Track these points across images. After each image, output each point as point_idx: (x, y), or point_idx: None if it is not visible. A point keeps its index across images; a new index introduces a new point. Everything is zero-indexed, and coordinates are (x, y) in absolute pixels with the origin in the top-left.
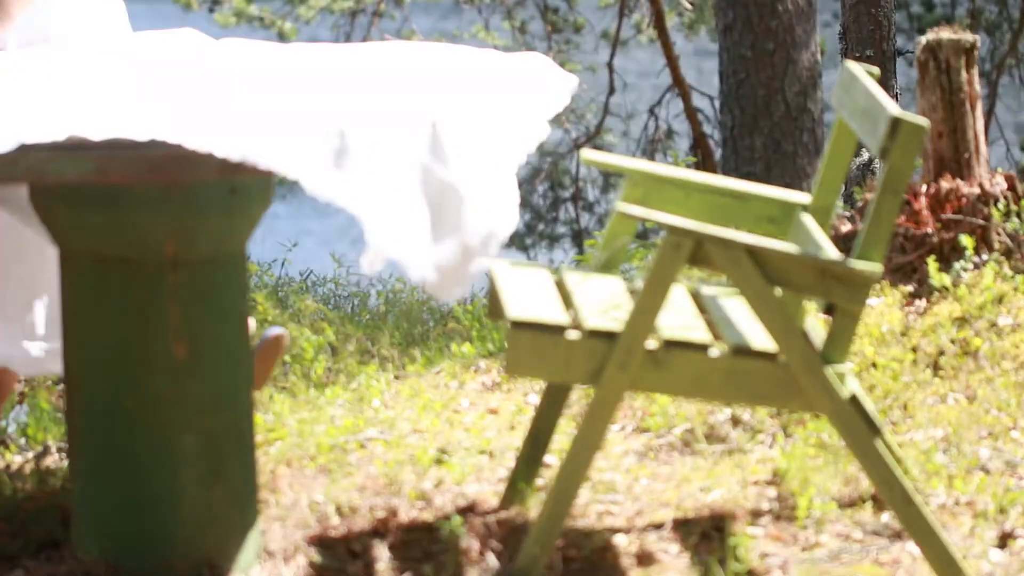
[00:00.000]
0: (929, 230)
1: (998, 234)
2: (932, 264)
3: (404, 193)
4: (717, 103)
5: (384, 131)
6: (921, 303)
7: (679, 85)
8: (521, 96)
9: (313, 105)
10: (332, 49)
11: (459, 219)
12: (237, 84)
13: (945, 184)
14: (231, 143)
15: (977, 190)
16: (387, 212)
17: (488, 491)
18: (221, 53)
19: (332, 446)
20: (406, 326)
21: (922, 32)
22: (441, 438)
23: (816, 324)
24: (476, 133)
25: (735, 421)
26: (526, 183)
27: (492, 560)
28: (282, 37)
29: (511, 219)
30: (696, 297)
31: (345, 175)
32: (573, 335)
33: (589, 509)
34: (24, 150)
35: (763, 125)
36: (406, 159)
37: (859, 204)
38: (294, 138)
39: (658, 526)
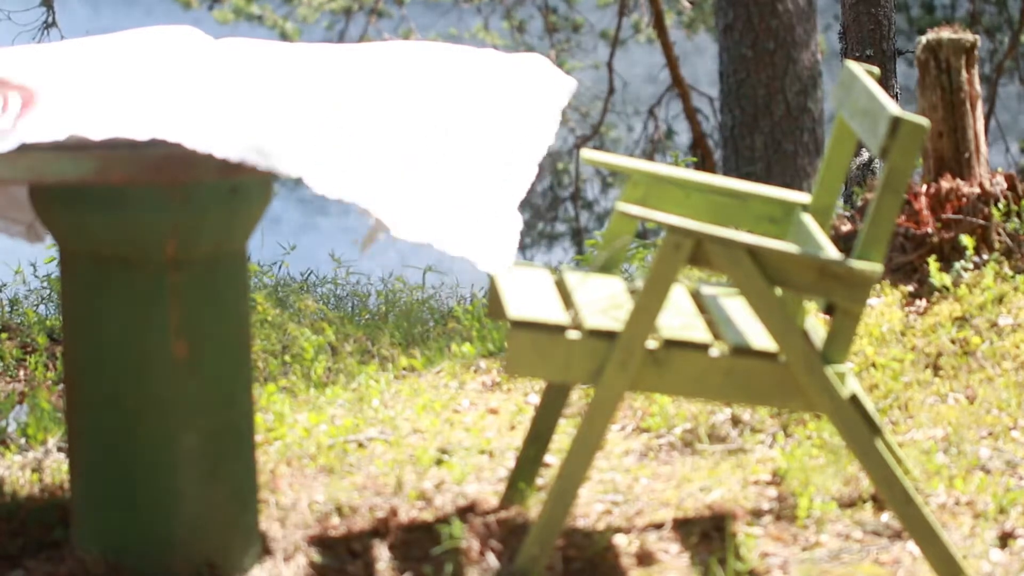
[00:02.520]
0: (929, 230)
1: (998, 234)
2: (932, 264)
3: (418, 180)
4: (717, 103)
5: (388, 122)
6: (921, 303)
7: (679, 85)
8: (523, 87)
9: (314, 102)
10: (332, 48)
11: (480, 191)
12: (237, 83)
13: (945, 184)
14: (231, 143)
15: (977, 190)
16: (403, 201)
17: (488, 491)
18: (220, 51)
19: (332, 446)
20: (406, 326)
21: (921, 34)
22: (441, 438)
23: (816, 324)
24: (482, 122)
25: (735, 421)
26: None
27: (492, 560)
28: (284, 37)
29: (524, 185)
30: (696, 297)
31: (351, 171)
32: (573, 335)
33: (589, 509)
34: (24, 150)
35: (763, 125)
36: (414, 147)
37: (859, 204)
38: (295, 137)
39: (658, 526)
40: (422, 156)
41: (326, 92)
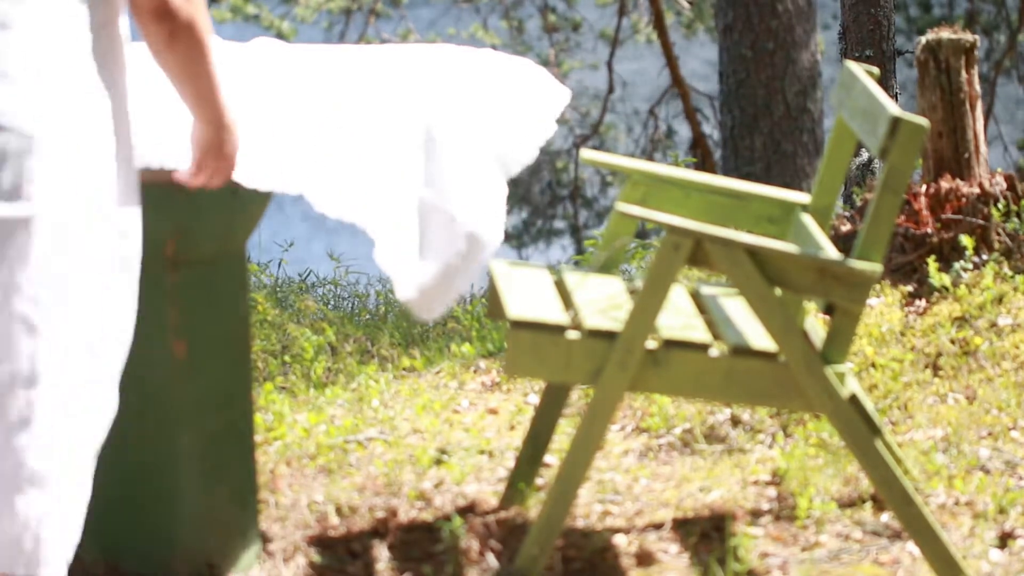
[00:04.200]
0: (929, 230)
1: (998, 234)
2: (932, 264)
3: (400, 211)
4: (717, 103)
5: (382, 146)
6: (921, 303)
7: (678, 85)
8: (518, 105)
9: (313, 104)
10: (331, 56)
11: (444, 238)
12: (240, 100)
13: (945, 184)
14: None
15: (977, 190)
16: (386, 229)
17: (488, 491)
18: (226, 62)
19: (332, 446)
20: (406, 326)
21: (920, 33)
22: (441, 438)
23: (816, 324)
24: (470, 145)
25: (735, 421)
26: (524, 180)
27: (492, 560)
28: (280, 37)
29: (497, 234)
30: (696, 297)
31: (347, 188)
32: (573, 335)
33: (589, 509)
34: None
35: (763, 125)
36: (403, 176)
37: (859, 204)
38: (292, 158)
39: (658, 526)
40: (411, 185)
41: (326, 93)
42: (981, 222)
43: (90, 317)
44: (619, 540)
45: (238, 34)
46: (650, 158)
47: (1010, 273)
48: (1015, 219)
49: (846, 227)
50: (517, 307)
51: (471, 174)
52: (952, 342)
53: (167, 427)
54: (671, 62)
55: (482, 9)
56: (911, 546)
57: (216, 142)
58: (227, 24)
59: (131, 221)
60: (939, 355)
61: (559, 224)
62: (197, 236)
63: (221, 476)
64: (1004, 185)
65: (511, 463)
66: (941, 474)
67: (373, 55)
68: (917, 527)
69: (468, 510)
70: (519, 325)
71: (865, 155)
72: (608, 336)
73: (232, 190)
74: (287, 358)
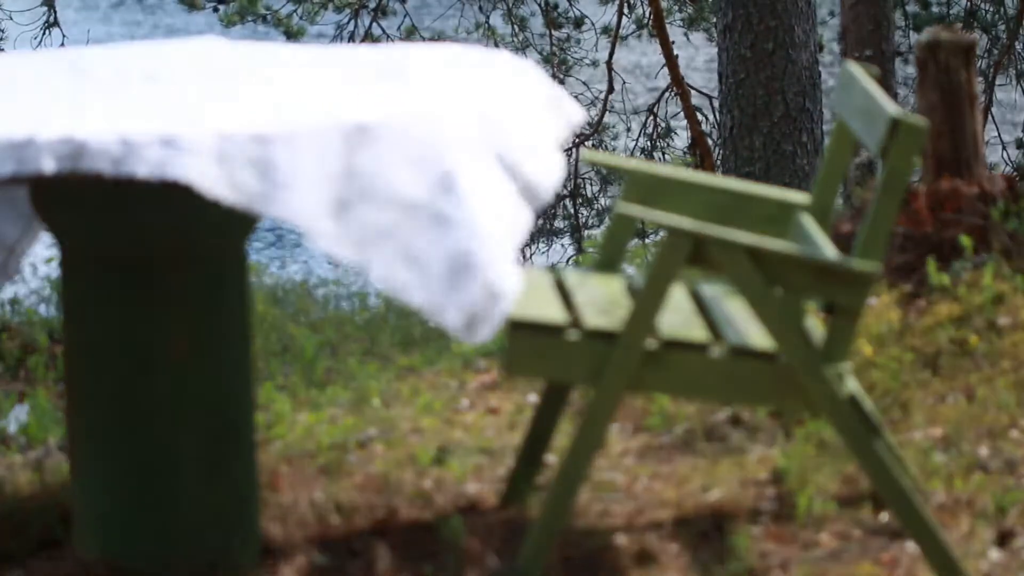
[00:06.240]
0: (928, 230)
1: (997, 234)
2: (931, 264)
3: (415, 237)
4: (716, 103)
5: (392, 171)
6: (920, 303)
7: (678, 85)
8: (537, 123)
9: (316, 148)
10: (339, 50)
11: (477, 259)
12: (247, 110)
13: (944, 184)
14: (238, 189)
15: (976, 190)
16: (397, 259)
17: (488, 491)
18: (235, 69)
19: (332, 446)
20: (406, 325)
21: (917, 31)
22: (441, 438)
23: (816, 324)
24: (492, 164)
25: (735, 421)
26: None
27: (492, 560)
28: (289, 36)
29: (513, 285)
30: (696, 297)
31: (348, 224)
32: (573, 335)
33: (589, 509)
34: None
35: (762, 125)
36: (416, 201)
37: (859, 204)
38: (296, 184)
39: (658, 525)
40: (426, 208)
41: (329, 132)
42: (980, 222)
43: None
44: (619, 539)
45: (247, 35)
46: (649, 157)
47: (1009, 273)
48: (1014, 219)
49: (846, 227)
50: (517, 307)
51: (495, 199)
52: (951, 342)
53: (167, 426)
54: (670, 61)
55: (484, 7)
56: (910, 545)
57: None
58: (236, 27)
59: None
60: (938, 355)
61: (560, 223)
62: (197, 235)
63: (221, 475)
64: (1003, 185)
65: (511, 463)
66: (940, 473)
67: (381, 71)
68: (916, 526)
69: (468, 509)
70: (519, 325)
71: (865, 155)
72: (608, 336)
73: None
74: (287, 358)
